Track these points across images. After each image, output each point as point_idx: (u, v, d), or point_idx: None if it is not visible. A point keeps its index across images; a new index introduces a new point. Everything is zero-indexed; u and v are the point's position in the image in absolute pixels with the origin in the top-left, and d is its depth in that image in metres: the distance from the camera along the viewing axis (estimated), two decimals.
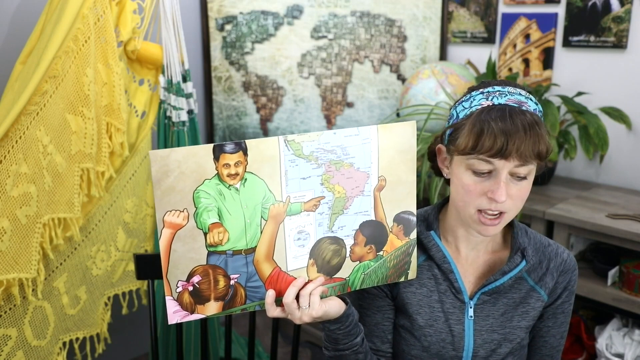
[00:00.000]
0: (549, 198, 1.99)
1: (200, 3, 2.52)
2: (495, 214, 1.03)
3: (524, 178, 1.01)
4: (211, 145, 0.91)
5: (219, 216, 0.95)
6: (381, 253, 1.07)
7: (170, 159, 0.90)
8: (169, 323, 0.99)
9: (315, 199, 1.00)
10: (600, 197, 2.00)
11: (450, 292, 1.13)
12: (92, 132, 1.69)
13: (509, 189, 1.00)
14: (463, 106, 1.05)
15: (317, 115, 2.64)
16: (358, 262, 1.06)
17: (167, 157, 0.90)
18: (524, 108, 1.00)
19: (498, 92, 1.02)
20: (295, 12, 2.53)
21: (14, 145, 1.51)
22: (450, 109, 1.10)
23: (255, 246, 0.99)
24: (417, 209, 1.20)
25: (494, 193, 1.00)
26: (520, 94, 1.03)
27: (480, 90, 1.05)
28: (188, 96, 1.94)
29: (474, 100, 1.04)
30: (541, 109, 1.05)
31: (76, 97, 1.65)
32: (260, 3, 2.51)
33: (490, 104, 1.01)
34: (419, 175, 1.97)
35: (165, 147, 1.95)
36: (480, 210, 1.03)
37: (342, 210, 1.02)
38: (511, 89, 1.03)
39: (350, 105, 2.63)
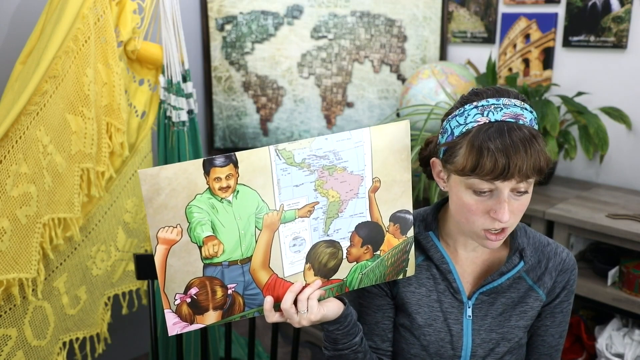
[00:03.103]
0: (549, 198, 1.99)
1: (200, 3, 2.52)
2: (499, 230, 1.03)
3: (525, 192, 1.00)
4: (201, 160, 0.91)
5: (213, 229, 0.95)
6: (378, 252, 1.07)
7: (160, 177, 0.90)
8: (169, 334, 0.99)
9: (309, 204, 0.99)
10: (600, 197, 2.00)
11: (448, 292, 1.14)
12: (92, 132, 1.69)
13: (510, 205, 0.99)
14: (457, 122, 1.02)
15: (317, 115, 2.64)
16: (355, 262, 1.06)
17: (156, 175, 0.89)
18: (520, 122, 0.98)
19: (493, 106, 0.99)
20: (295, 12, 2.53)
21: (14, 145, 1.51)
22: (443, 122, 1.07)
23: (251, 256, 0.99)
24: (417, 209, 1.21)
25: (496, 213, 0.99)
26: (515, 104, 1.00)
27: (474, 104, 1.01)
28: (188, 96, 1.94)
29: (468, 115, 1.01)
30: (536, 114, 1.03)
31: (76, 97, 1.65)
32: (260, 3, 2.51)
33: (487, 121, 0.98)
34: (418, 176, 1.97)
35: (166, 147, 1.96)
36: (484, 228, 1.03)
37: (337, 214, 1.02)
38: (506, 101, 1.00)
39: (350, 105, 2.63)
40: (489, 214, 1.00)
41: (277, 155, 0.95)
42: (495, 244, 1.04)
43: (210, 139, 2.68)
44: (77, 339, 1.85)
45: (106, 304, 1.94)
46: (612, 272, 1.81)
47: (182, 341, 1.46)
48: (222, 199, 0.94)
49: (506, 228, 1.03)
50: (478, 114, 1.00)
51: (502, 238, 1.04)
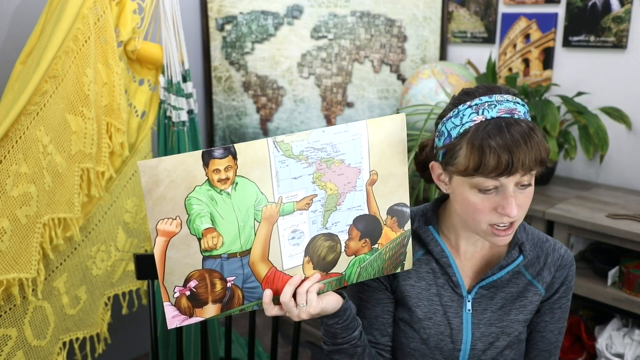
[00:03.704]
0: (549, 198, 1.99)
1: (200, 3, 2.52)
2: (507, 225, 1.03)
3: (529, 184, 1.01)
4: (200, 151, 0.91)
5: (212, 221, 0.95)
6: (376, 246, 1.07)
7: (160, 168, 0.90)
8: (169, 328, 0.99)
9: (308, 197, 1.00)
10: (600, 197, 2.00)
11: (448, 286, 1.14)
12: (92, 132, 1.69)
13: (516, 199, 1.00)
14: (453, 123, 1.02)
15: (317, 115, 2.64)
16: (353, 256, 1.06)
17: (156, 167, 0.90)
18: (516, 116, 0.99)
19: (487, 104, 1.00)
20: (295, 12, 2.53)
21: (14, 145, 1.51)
22: (437, 124, 1.07)
23: (250, 248, 0.99)
24: (417, 206, 1.21)
25: (504, 209, 0.99)
26: (508, 100, 1.01)
27: (468, 103, 1.02)
28: (188, 96, 1.94)
29: (463, 116, 1.01)
30: (528, 108, 1.04)
31: (76, 97, 1.65)
32: (260, 3, 2.51)
33: (483, 119, 0.99)
34: (418, 175, 1.97)
35: (166, 147, 1.96)
36: (492, 224, 1.03)
37: (335, 207, 1.02)
38: (498, 97, 1.01)
39: (350, 105, 2.64)
40: (497, 210, 1.01)
41: (276, 147, 0.95)
42: (505, 240, 1.05)
43: (210, 139, 2.69)
44: (77, 339, 1.85)
45: (106, 304, 1.94)
46: (612, 272, 1.81)
47: (182, 341, 1.46)
48: (221, 190, 0.94)
49: (514, 222, 1.03)
50: (473, 113, 1.00)
51: (511, 233, 1.04)
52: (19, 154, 1.52)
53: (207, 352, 1.59)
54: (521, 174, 0.98)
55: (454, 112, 1.03)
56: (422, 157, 1.15)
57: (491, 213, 1.01)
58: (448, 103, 1.08)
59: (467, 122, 1.00)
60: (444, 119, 1.05)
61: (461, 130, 1.00)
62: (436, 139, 1.08)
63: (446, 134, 1.04)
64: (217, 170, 0.93)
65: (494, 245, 1.16)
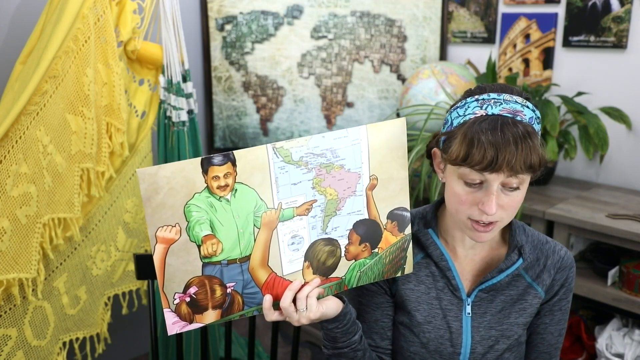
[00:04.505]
0: (549, 198, 1.99)
1: (200, 3, 2.52)
2: (486, 223, 1.03)
3: (517, 188, 1.01)
4: (199, 158, 0.91)
5: (212, 228, 0.95)
6: (376, 250, 1.07)
7: (159, 176, 0.90)
8: (169, 334, 0.99)
9: (307, 203, 0.99)
10: (600, 197, 2.00)
11: (447, 290, 1.14)
12: (92, 132, 1.69)
13: (500, 199, 1.00)
14: (457, 113, 1.04)
15: (317, 115, 2.64)
16: (353, 260, 1.06)
17: (155, 174, 0.89)
18: (518, 118, 0.99)
19: (493, 100, 1.01)
20: (295, 12, 2.53)
21: (14, 145, 1.51)
22: (447, 112, 1.09)
23: (250, 254, 0.99)
24: (417, 207, 1.21)
25: (484, 205, 1.00)
26: (516, 101, 1.01)
27: (476, 97, 1.03)
28: (188, 96, 1.94)
29: (468, 107, 1.02)
30: (539, 114, 1.04)
31: (76, 97, 1.65)
32: (260, 3, 2.51)
33: (484, 114, 0.99)
34: (418, 175, 1.97)
35: (166, 147, 1.96)
36: (472, 219, 1.04)
37: (335, 212, 1.02)
38: (507, 97, 1.01)
39: (350, 105, 2.63)
40: (478, 206, 1.01)
41: (275, 153, 0.95)
42: (483, 237, 1.05)
43: (210, 139, 2.69)
44: (77, 339, 1.85)
45: (106, 304, 1.94)
46: (612, 272, 1.81)
47: (182, 341, 1.46)
48: (220, 197, 0.94)
49: (495, 222, 1.03)
50: (477, 106, 1.01)
51: (489, 231, 1.04)
52: (19, 154, 1.52)
53: (207, 352, 1.59)
54: (507, 174, 0.98)
55: (461, 102, 1.05)
56: (432, 144, 1.15)
57: (472, 207, 1.02)
58: (462, 94, 1.09)
59: (469, 114, 1.01)
60: (452, 108, 1.07)
61: (461, 121, 1.02)
62: (442, 127, 1.09)
63: (449, 122, 1.05)
64: (217, 177, 0.93)
65: (490, 247, 1.17)
